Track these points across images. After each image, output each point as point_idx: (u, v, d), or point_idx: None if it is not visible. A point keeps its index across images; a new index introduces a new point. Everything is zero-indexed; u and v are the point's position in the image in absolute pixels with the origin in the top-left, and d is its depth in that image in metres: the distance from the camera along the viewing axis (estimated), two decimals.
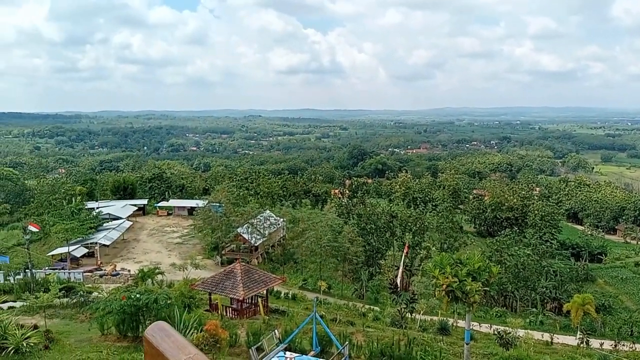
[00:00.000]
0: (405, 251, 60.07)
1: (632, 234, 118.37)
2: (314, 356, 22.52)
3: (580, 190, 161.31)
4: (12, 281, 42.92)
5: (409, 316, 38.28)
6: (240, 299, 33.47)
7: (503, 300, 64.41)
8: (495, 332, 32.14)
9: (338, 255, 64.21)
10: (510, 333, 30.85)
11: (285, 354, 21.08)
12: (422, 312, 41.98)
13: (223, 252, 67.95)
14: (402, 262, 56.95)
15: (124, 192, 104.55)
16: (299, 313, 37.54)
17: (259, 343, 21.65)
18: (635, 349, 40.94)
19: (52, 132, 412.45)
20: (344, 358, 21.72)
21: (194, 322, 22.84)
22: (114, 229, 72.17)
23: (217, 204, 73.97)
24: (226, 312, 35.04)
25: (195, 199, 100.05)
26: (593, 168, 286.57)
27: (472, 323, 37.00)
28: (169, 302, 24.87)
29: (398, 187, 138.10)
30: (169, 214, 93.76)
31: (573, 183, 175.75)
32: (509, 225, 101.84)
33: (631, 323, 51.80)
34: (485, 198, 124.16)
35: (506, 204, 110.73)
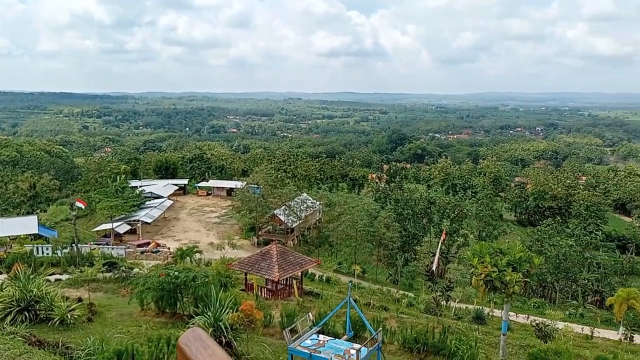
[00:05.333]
0: (442, 238, 59.22)
1: None
2: (347, 340, 22.57)
3: (630, 180, 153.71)
4: (59, 255, 44.96)
5: (444, 304, 37.86)
6: (276, 280, 33.91)
7: (542, 291, 62.81)
8: (533, 324, 31.37)
9: (373, 240, 64.04)
10: (548, 325, 30.04)
11: (318, 336, 21.21)
12: (457, 300, 41.44)
13: (260, 233, 68.97)
14: (438, 249, 56.23)
15: (165, 171, 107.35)
16: (333, 296, 37.73)
17: (293, 325, 21.87)
18: None
19: (100, 112, 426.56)
20: (377, 344, 21.66)
21: (229, 301, 23.30)
22: (155, 207, 74.33)
23: (255, 186, 74.90)
24: (261, 292, 35.61)
25: (234, 180, 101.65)
26: None
27: (509, 313, 36.26)
28: (206, 280, 25.43)
29: (437, 172, 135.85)
30: (208, 194, 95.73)
31: (623, 172, 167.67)
32: (551, 215, 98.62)
33: None
34: (528, 186, 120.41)
35: (549, 193, 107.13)
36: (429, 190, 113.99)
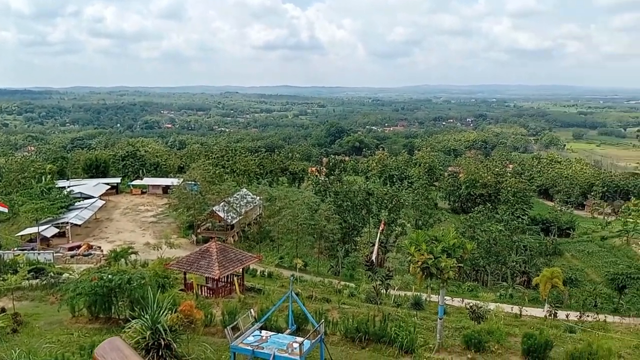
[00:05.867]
0: (381, 228, 60.64)
1: (599, 209, 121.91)
2: (289, 334, 22.63)
3: (551, 167, 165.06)
4: None
5: (384, 292, 38.78)
6: (216, 278, 33.34)
7: (475, 274, 65.91)
8: (467, 306, 32.85)
9: (314, 233, 64.44)
10: (481, 307, 31.57)
11: (260, 332, 21.11)
12: (396, 288, 42.61)
13: (198, 230, 67.50)
14: (377, 239, 57.51)
15: (96, 170, 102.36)
16: (275, 291, 37.65)
17: (235, 322, 21.62)
18: (599, 319, 42.53)
19: (21, 109, 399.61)
20: (319, 335, 21.86)
21: (168, 302, 22.63)
22: (85, 208, 70.75)
23: (193, 182, 73.13)
24: (201, 291, 34.91)
25: (170, 177, 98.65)
26: (565, 145, 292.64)
27: (445, 298, 37.74)
28: (142, 282, 24.55)
29: (375, 164, 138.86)
30: (143, 193, 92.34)
31: (545, 160, 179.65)
32: (482, 202, 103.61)
33: (595, 295, 53.79)
34: (460, 175, 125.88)
35: (480, 181, 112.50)
36: (367, 182, 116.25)
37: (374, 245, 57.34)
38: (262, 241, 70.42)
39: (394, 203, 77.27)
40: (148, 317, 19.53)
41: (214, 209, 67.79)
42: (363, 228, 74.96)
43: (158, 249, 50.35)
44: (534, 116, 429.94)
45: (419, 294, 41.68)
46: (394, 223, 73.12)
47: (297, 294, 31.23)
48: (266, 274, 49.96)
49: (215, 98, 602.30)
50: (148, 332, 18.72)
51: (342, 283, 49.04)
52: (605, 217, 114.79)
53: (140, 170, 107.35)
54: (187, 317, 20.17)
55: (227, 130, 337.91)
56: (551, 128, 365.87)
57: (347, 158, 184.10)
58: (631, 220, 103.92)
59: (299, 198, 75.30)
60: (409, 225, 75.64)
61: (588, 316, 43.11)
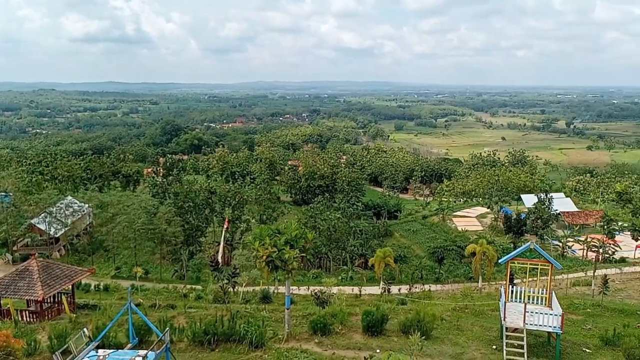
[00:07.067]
0: (225, 226, 59.92)
1: (420, 192, 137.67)
2: (131, 349, 21.09)
3: (379, 157, 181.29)
4: None
5: (232, 290, 38.43)
6: (40, 299, 29.49)
7: (318, 262, 69.12)
8: (312, 294, 34.30)
9: (155, 238, 60.95)
10: (325, 292, 33.22)
11: (97, 352, 19.24)
12: (244, 285, 42.55)
13: (15, 248, 58.96)
14: (222, 238, 56.82)
15: None
16: (113, 305, 34.66)
17: (65, 345, 19.36)
18: (425, 289, 48.13)
19: None
20: (165, 345, 20.77)
21: None
22: None
23: (4, 194, 63.44)
24: (22, 316, 30.58)
25: None
26: (389, 136, 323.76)
27: (292, 288, 38.87)
28: None
29: (215, 162, 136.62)
30: None
31: (373, 150, 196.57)
32: (321, 193, 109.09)
33: (421, 268, 60.48)
34: (300, 168, 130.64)
35: (318, 173, 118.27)
36: (209, 180, 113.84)
37: (219, 244, 56.47)
38: (95, 252, 64.35)
39: (237, 200, 76.92)
40: None
41: (32, 221, 59.84)
42: (207, 228, 73.17)
43: None
44: (361, 110, 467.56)
45: (267, 287, 42.25)
46: (238, 220, 72.81)
47: (137, 305, 29.27)
48: (102, 287, 45.82)
49: (27, 96, 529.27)
50: None
51: (188, 287, 47.36)
52: (425, 198, 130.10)
53: None
54: (2, 349, 17.42)
55: (44, 132, 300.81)
56: (376, 121, 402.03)
57: (185, 157, 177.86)
58: (445, 199, 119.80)
59: (134, 202, 70.43)
60: (253, 220, 76.04)
61: (416, 288, 48.41)
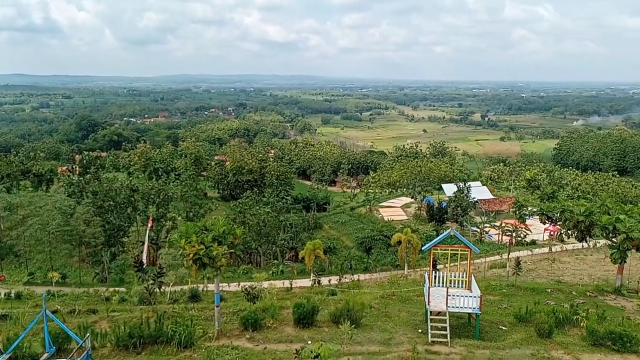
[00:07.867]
0: (149, 225, 57.73)
1: (347, 184, 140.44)
2: (48, 358, 19.82)
3: (307, 150, 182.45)
4: None
5: (158, 291, 37.07)
6: None
7: (249, 257, 68.57)
8: (243, 289, 33.93)
9: (72, 240, 57.39)
10: (255, 287, 32.99)
11: None
12: (172, 284, 41.23)
13: None
14: (147, 237, 54.76)
15: None
16: (26, 313, 32.22)
17: None
18: (354, 279, 49.24)
19: None
20: (86, 351, 19.70)
21: None
22: None
23: None
24: None
25: None
26: (316, 130, 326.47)
27: (222, 284, 38.25)
28: None
29: (137, 158, 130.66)
30: None
31: (301, 144, 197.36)
32: (250, 187, 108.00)
33: (350, 259, 61.82)
34: (227, 163, 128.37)
35: (246, 168, 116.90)
36: (131, 178, 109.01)
37: (144, 244, 54.31)
38: (4, 258, 59.53)
39: (161, 197, 74.22)
40: None
41: None
42: (130, 227, 70.04)
43: None
44: (288, 104, 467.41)
45: (195, 286, 41.21)
46: (163, 218, 70.30)
47: (54, 312, 27.52)
48: (13, 295, 42.44)
49: None
50: None
51: (111, 289, 45.08)
52: (352, 190, 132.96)
53: None
54: None
55: None
56: (303, 115, 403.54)
57: (104, 154, 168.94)
58: (371, 191, 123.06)
59: (48, 203, 66.01)
60: (179, 218, 73.80)
61: (346, 278, 49.40)
